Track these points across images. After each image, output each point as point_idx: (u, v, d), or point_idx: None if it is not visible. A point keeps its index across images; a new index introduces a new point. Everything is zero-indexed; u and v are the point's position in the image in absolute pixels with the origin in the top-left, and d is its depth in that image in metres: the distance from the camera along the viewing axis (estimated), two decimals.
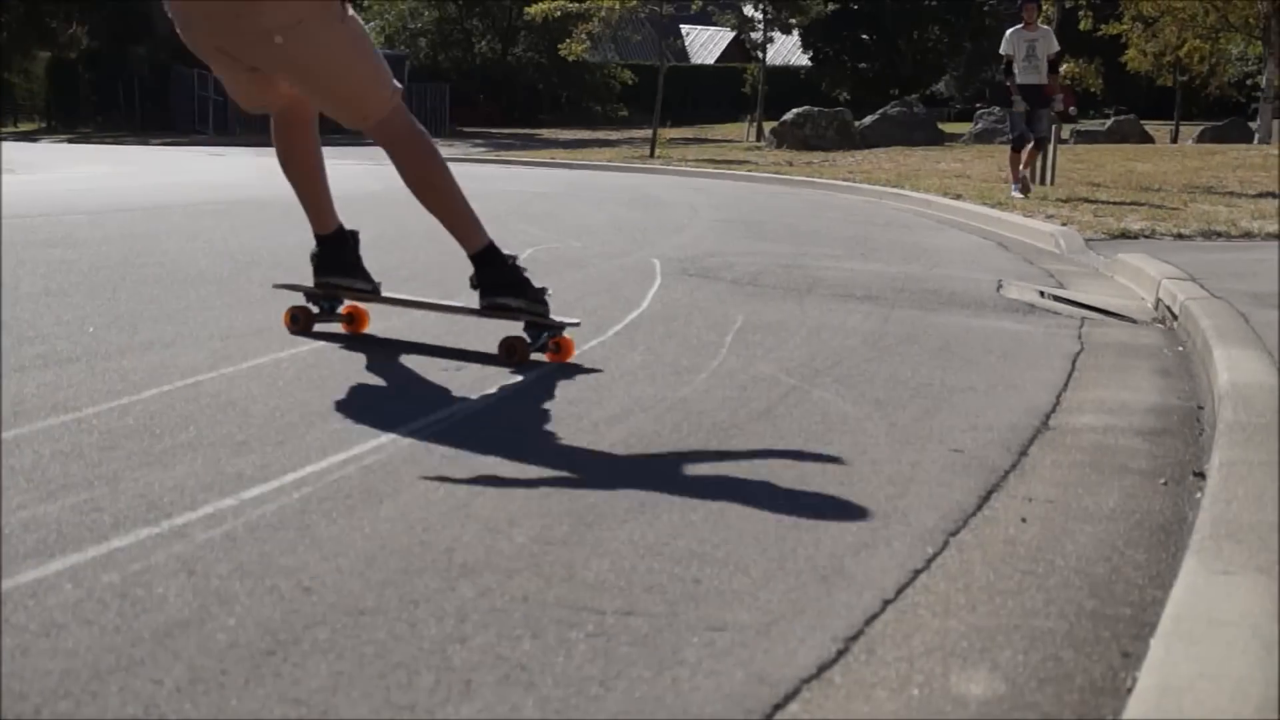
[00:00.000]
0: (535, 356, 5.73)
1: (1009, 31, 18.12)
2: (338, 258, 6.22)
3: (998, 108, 24.98)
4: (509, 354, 5.70)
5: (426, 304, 6.45)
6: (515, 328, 5.79)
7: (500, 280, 5.80)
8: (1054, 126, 19.74)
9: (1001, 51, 18.11)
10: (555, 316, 5.82)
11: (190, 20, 5.35)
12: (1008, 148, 18.48)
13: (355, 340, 6.07)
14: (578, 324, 5.99)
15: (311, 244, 6.28)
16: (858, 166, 25.74)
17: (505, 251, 5.90)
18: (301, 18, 5.26)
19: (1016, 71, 17.79)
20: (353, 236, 6.31)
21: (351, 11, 5.52)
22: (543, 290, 5.80)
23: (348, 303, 6.30)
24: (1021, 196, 16.89)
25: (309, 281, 6.27)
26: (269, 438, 4.27)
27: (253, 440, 4.23)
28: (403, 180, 5.89)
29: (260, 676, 2.55)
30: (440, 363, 5.56)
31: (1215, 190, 18.15)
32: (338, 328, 6.24)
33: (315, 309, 6.27)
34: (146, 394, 4.78)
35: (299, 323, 6.21)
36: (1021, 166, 17.68)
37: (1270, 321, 6.94)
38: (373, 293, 6.26)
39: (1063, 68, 18.95)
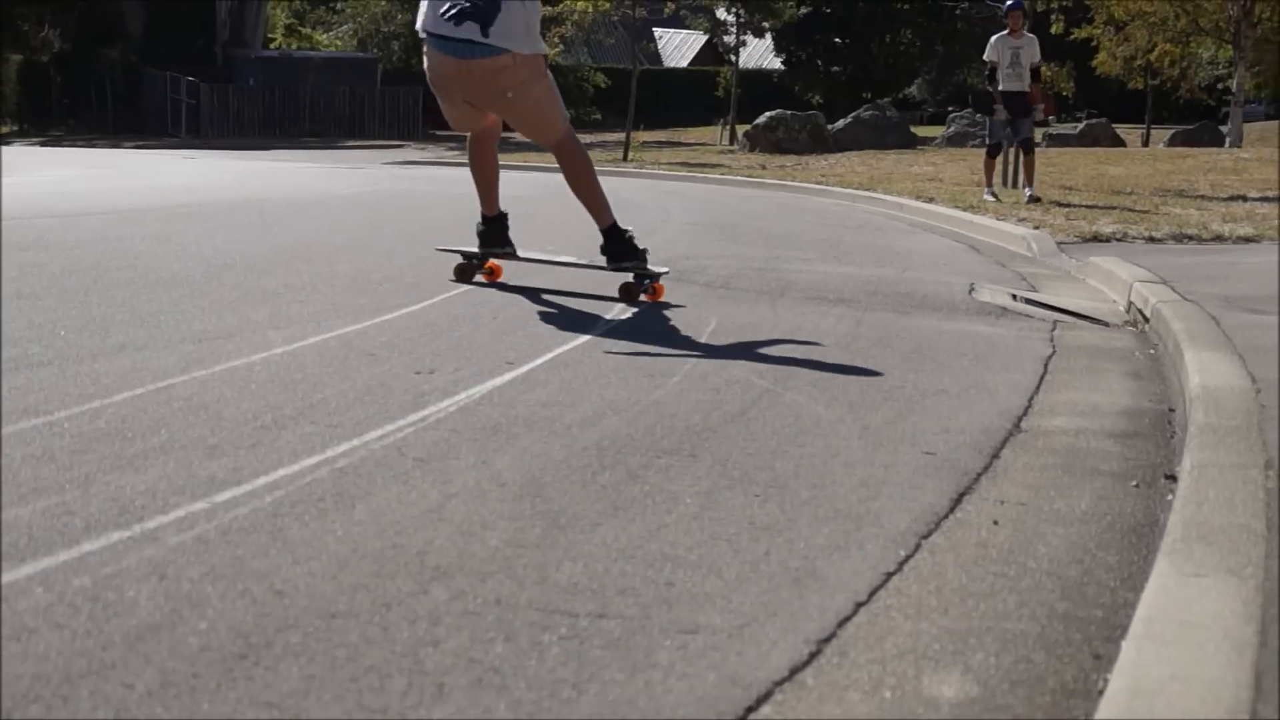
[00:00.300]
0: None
1: (994, 38, 18.18)
2: (497, 232, 8.51)
3: (980, 114, 24.77)
4: (627, 295, 7.82)
5: (558, 261, 8.64)
6: (627, 276, 7.96)
7: (620, 249, 8.03)
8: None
9: (986, 58, 18.18)
10: (651, 267, 8.04)
11: (451, 84, 7.84)
12: (981, 151, 18.52)
13: (342, 336, 6.07)
14: (666, 272, 8.25)
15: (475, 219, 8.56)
16: (830, 170, 25.77)
17: (622, 225, 8.09)
18: (524, 80, 7.76)
19: (1000, 78, 17.83)
20: (505, 216, 8.54)
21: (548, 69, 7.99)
22: (645, 251, 8.07)
23: (490, 261, 8.52)
24: (994, 200, 16.97)
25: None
26: (241, 441, 4.26)
27: (225, 443, 4.22)
28: (564, 177, 8.22)
29: (232, 680, 2.55)
30: (414, 366, 5.56)
31: (1187, 194, 18.20)
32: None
33: (474, 263, 8.49)
34: (118, 397, 4.76)
35: (464, 274, 8.42)
36: (990, 185, 17.87)
37: (1241, 324, 6.96)
38: (512, 254, 8.54)
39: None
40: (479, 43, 7.56)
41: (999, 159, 18.04)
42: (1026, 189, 17.30)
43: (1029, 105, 17.86)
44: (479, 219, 8.50)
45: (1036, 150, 17.88)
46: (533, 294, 7.79)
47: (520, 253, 8.57)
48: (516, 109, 7.98)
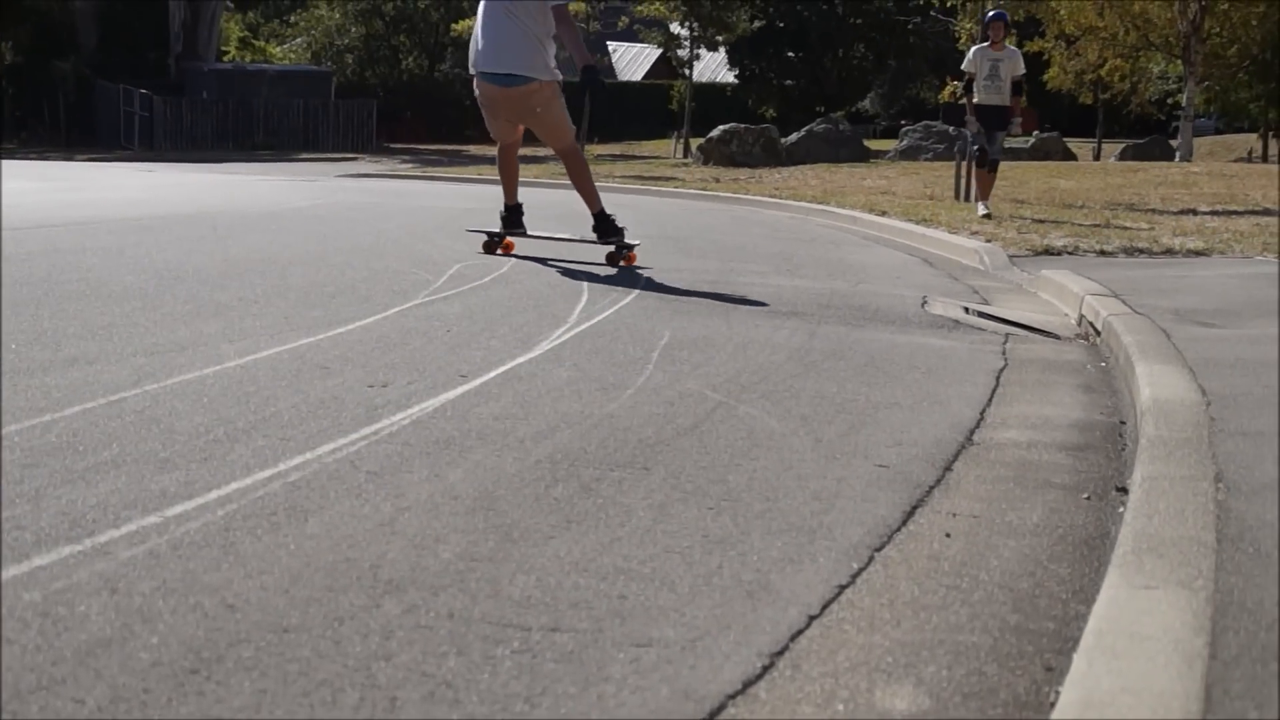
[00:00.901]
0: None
1: (974, 49, 17.67)
2: (514, 217, 11.41)
3: (951, 127, 24.38)
4: (610, 260, 10.76)
5: (559, 238, 11.68)
6: (610, 247, 10.91)
7: (606, 228, 11.00)
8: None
9: (963, 68, 17.66)
10: (628, 240, 11.01)
11: (497, 105, 10.84)
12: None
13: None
14: (638, 244, 11.07)
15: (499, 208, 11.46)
16: (784, 183, 25.80)
17: (608, 211, 11.14)
18: (549, 99, 10.80)
19: (976, 90, 17.25)
20: (520, 206, 11.45)
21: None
22: (624, 230, 11.03)
23: (506, 238, 11.38)
24: (988, 215, 16.47)
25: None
26: (193, 454, 4.25)
27: (177, 457, 4.20)
28: (568, 174, 11.44)
29: (183, 695, 2.54)
30: (367, 379, 5.54)
31: (1138, 207, 18.30)
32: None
33: (495, 240, 11.37)
34: (69, 411, 4.74)
35: (489, 248, 11.29)
36: (975, 186, 17.59)
37: (1192, 337, 7.01)
38: (524, 233, 11.36)
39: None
40: (516, 75, 10.63)
41: (985, 167, 17.40)
42: (980, 204, 17.02)
43: (1006, 119, 17.39)
44: (503, 207, 11.46)
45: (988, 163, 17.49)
46: (489, 305, 7.78)
47: (530, 232, 11.39)
48: (543, 120, 11.01)
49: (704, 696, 2.66)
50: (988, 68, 17.13)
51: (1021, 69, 17.39)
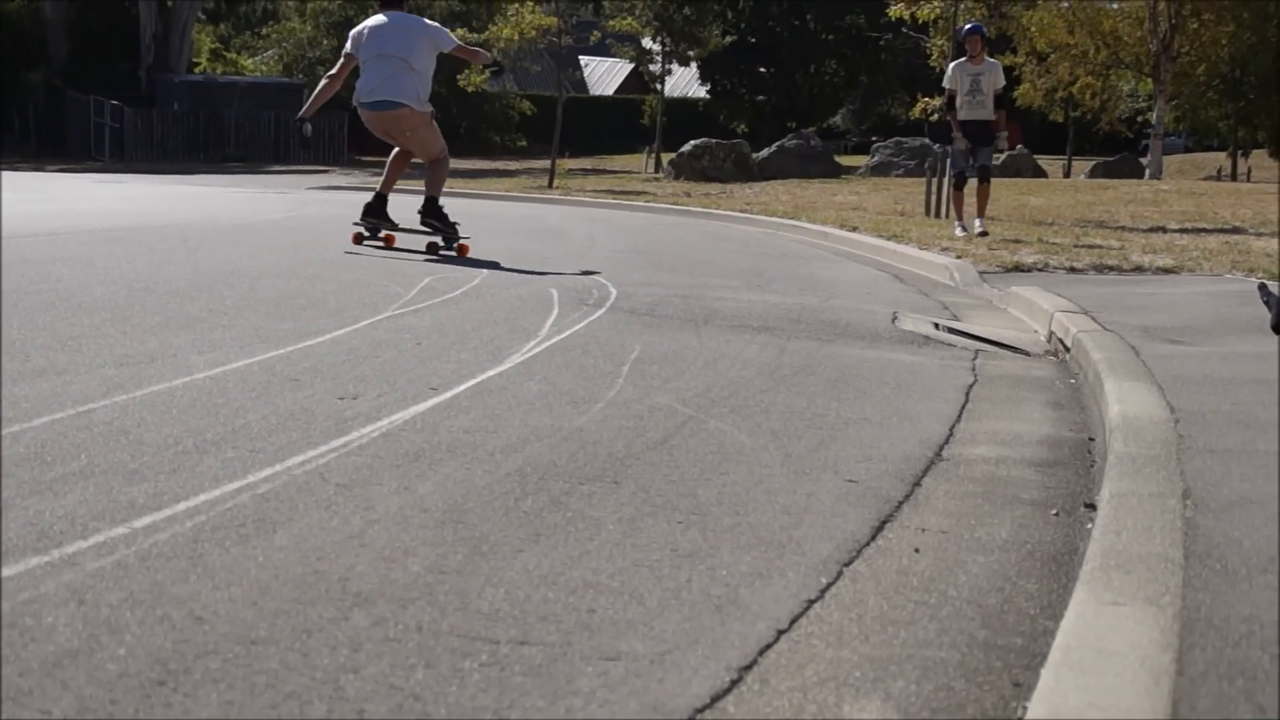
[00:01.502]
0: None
1: (952, 65, 17.18)
2: (379, 206, 12.89)
3: (937, 144, 23.96)
4: (431, 250, 12.18)
5: (407, 229, 12.69)
6: (436, 238, 12.43)
7: (433, 213, 12.62)
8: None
9: (944, 85, 17.25)
10: (462, 236, 12.57)
11: (374, 126, 12.67)
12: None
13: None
14: (469, 238, 12.58)
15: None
16: (755, 198, 25.85)
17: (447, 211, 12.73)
18: (418, 125, 12.60)
19: (959, 106, 16.75)
20: (386, 198, 12.97)
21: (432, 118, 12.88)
22: (456, 225, 12.67)
23: (384, 233, 12.89)
24: (966, 234, 16.19)
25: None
26: (162, 466, 4.24)
27: (145, 468, 4.19)
28: (428, 171, 13.07)
29: (150, 707, 2.53)
30: (337, 392, 5.54)
31: (1107, 225, 18.37)
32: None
33: (367, 233, 12.88)
34: (37, 422, 4.72)
35: (359, 240, 12.78)
36: (967, 206, 17.00)
37: (1160, 354, 7.03)
38: (394, 226, 12.79)
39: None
40: (387, 100, 12.44)
41: (964, 190, 17.00)
42: (978, 220, 16.63)
43: (992, 134, 16.86)
44: (374, 195, 13.06)
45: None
46: (460, 318, 7.77)
47: (401, 225, 12.81)
48: (412, 141, 12.86)
49: (672, 710, 2.66)
50: (969, 83, 16.75)
51: (1002, 81, 17.11)
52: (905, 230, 16.84)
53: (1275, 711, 2.57)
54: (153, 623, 2.92)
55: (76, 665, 2.68)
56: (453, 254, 12.19)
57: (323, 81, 13.07)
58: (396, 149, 13.16)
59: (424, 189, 12.88)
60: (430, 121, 12.74)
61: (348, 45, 12.81)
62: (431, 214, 12.61)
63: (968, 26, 17.62)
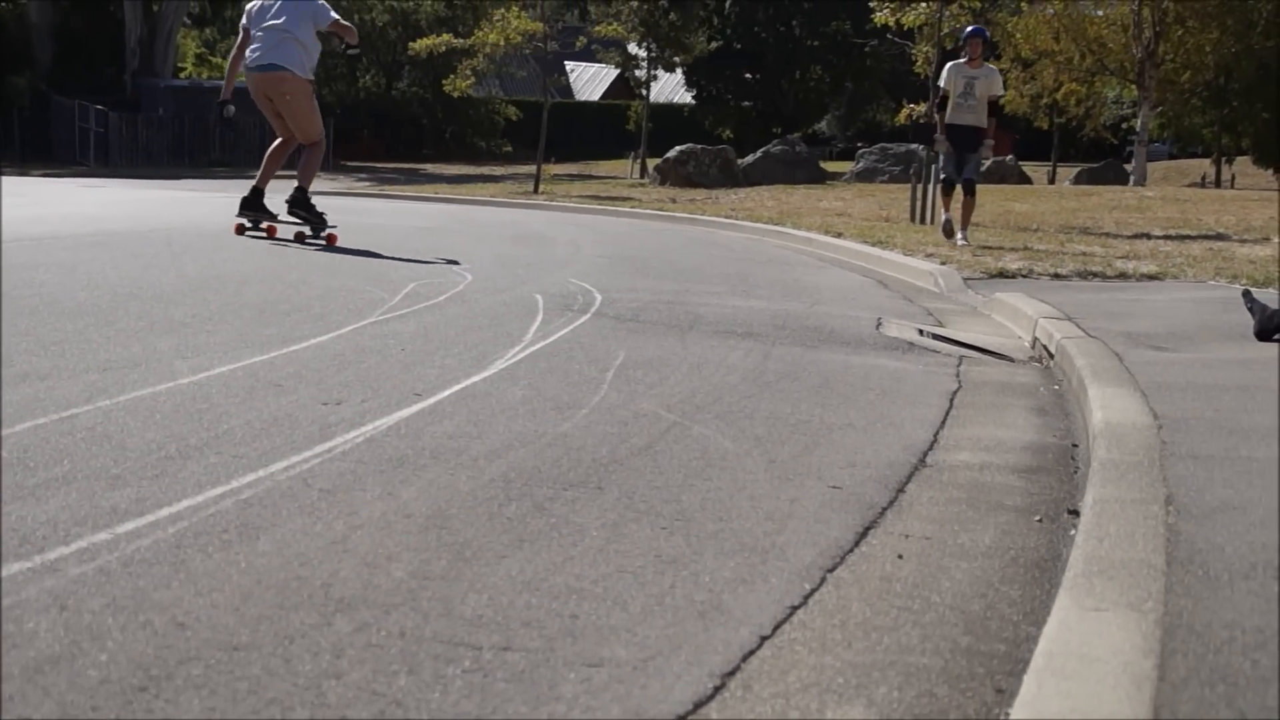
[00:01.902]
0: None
1: (949, 65, 16.69)
2: (257, 199, 13.79)
3: (922, 146, 23.63)
4: (299, 238, 13.15)
5: (285, 220, 13.56)
6: (304, 228, 13.46)
7: (301, 203, 13.42)
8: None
9: (940, 84, 16.74)
10: (330, 225, 13.57)
11: (258, 88, 13.50)
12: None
13: (237, 369, 6.02)
14: (336, 227, 13.54)
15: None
16: (740, 204, 25.87)
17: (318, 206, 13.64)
18: (298, 91, 13.44)
19: (950, 109, 16.33)
20: (263, 191, 13.75)
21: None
22: (324, 215, 13.57)
23: (265, 224, 13.80)
24: (954, 239, 15.92)
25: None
26: (145, 471, 4.23)
27: (128, 474, 4.19)
28: (302, 159, 13.79)
29: (132, 713, 2.53)
30: (321, 397, 5.53)
31: (1091, 231, 18.41)
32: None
33: (249, 225, 13.84)
34: (20, 427, 4.71)
35: (241, 231, 13.73)
36: (947, 212, 16.53)
37: (1144, 361, 7.04)
38: (273, 218, 13.69)
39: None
40: (273, 64, 13.40)
41: (950, 195, 16.58)
42: (960, 233, 16.11)
43: (979, 142, 16.35)
44: (251, 189, 13.92)
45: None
46: (444, 324, 7.77)
47: (281, 217, 13.67)
48: (292, 108, 13.58)
49: (655, 716, 2.66)
50: (962, 85, 16.31)
51: (999, 89, 16.75)
52: (890, 236, 16.86)
53: (1255, 714, 2.58)
54: (135, 629, 2.91)
55: (58, 671, 2.68)
56: (322, 242, 13.42)
57: (230, 60, 14.18)
58: (274, 144, 14.03)
59: (296, 178, 13.71)
60: (311, 95, 13.73)
61: (243, 19, 13.89)
62: (299, 204, 13.59)
63: (970, 29, 17.11)
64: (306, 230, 13.49)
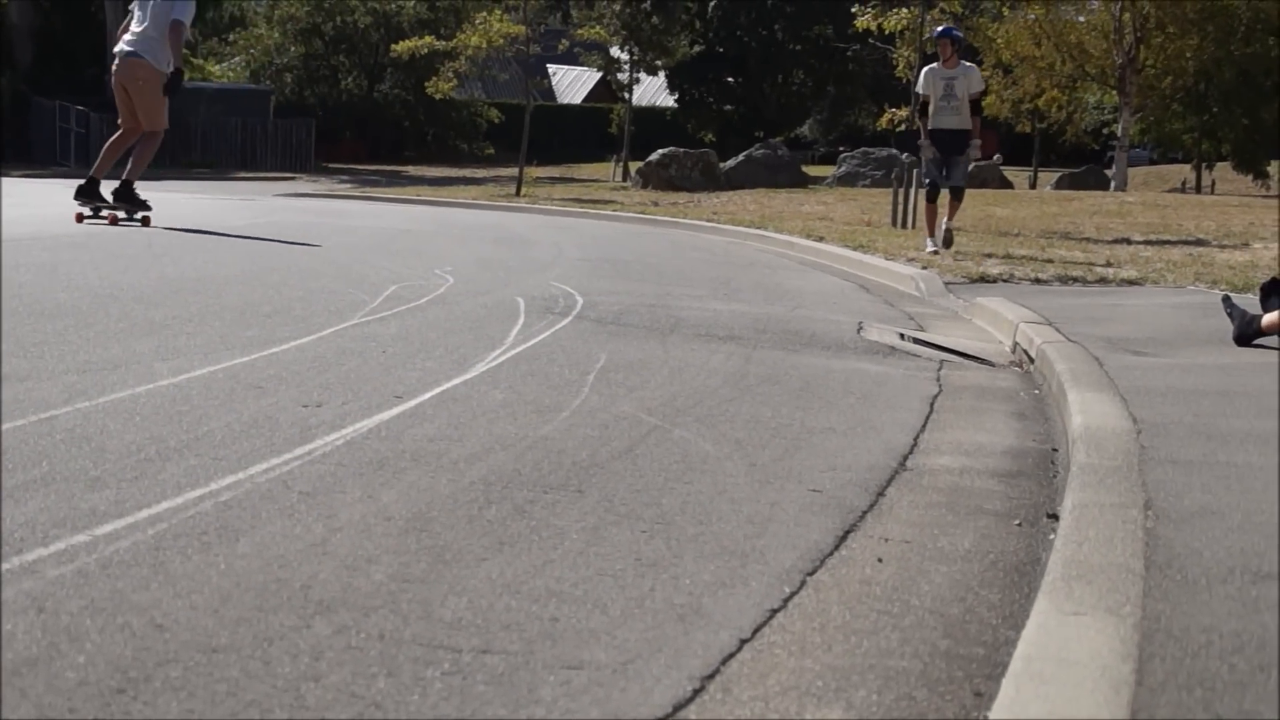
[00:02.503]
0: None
1: (925, 70, 16.32)
2: (93, 188, 14.81)
3: (907, 155, 23.27)
4: (113, 221, 14.61)
5: (113, 207, 14.95)
6: (119, 213, 14.84)
7: (126, 195, 14.72)
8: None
9: (917, 90, 16.49)
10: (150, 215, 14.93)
11: (116, 74, 14.65)
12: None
13: (199, 373, 6.01)
14: (152, 210, 14.96)
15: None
16: (722, 207, 25.88)
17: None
18: (149, 80, 14.59)
19: (932, 114, 15.88)
20: (99, 182, 14.81)
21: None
22: (146, 201, 14.91)
23: (107, 212, 14.88)
24: (936, 251, 15.31)
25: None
26: (124, 473, 4.22)
27: (108, 476, 4.18)
28: (137, 148, 14.91)
29: (110, 714, 2.52)
30: (301, 399, 5.53)
31: (1073, 236, 18.45)
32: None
33: (89, 214, 14.80)
34: None
35: (80, 219, 14.65)
36: (943, 220, 15.95)
37: (1123, 366, 7.06)
38: (106, 205, 14.86)
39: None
40: (130, 51, 14.59)
41: (935, 203, 16.19)
42: (943, 221, 15.79)
43: (966, 144, 15.92)
44: (86, 179, 14.96)
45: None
46: (425, 326, 7.76)
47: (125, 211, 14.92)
48: (141, 95, 14.69)
49: (634, 719, 2.66)
50: (942, 87, 15.86)
51: (979, 86, 16.27)
52: (871, 240, 16.87)
53: (1231, 717, 2.59)
54: (113, 630, 2.91)
55: (36, 673, 2.67)
56: (138, 222, 14.94)
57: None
58: (114, 136, 15.19)
59: (125, 171, 15.04)
60: (160, 88, 14.80)
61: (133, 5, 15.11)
62: (124, 197, 14.94)
63: (939, 30, 17.04)
64: (120, 213, 15.01)
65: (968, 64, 16.56)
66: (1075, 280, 12.45)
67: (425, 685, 2.74)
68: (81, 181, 15.15)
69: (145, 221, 14.88)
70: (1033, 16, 42.24)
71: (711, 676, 2.90)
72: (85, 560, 3.35)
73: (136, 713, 2.54)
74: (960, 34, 17.36)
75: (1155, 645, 2.93)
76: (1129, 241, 17.54)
